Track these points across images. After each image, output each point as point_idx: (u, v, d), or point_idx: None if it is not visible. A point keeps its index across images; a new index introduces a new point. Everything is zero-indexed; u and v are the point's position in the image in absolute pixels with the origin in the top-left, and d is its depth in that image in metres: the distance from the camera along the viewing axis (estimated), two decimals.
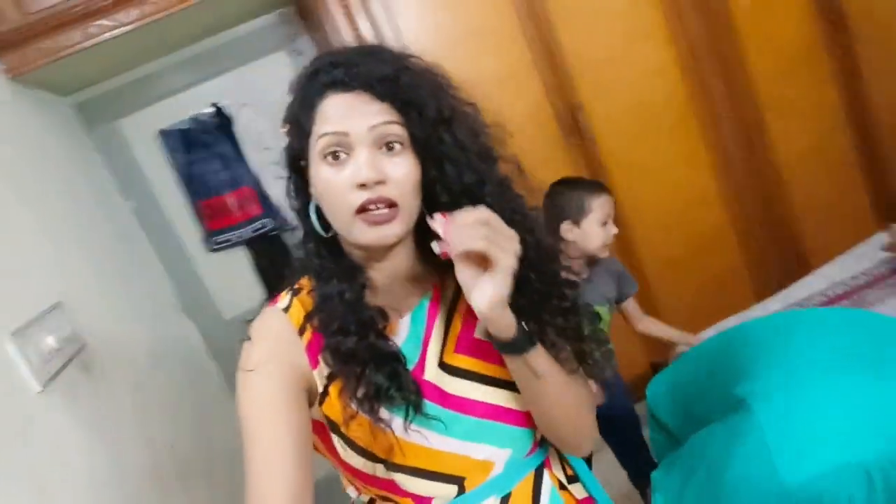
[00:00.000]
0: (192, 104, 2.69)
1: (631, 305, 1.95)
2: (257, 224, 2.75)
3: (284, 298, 0.89)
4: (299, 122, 0.83)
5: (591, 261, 1.83)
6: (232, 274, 2.85)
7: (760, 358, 1.13)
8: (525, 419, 0.89)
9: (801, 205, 2.67)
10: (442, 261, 0.79)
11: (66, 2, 2.01)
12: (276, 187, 2.73)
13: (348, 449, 0.84)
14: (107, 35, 2.13)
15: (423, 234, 0.85)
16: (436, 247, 0.76)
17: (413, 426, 0.82)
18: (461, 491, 0.86)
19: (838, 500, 0.91)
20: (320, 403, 0.84)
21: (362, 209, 0.78)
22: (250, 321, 0.87)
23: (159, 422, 2.01)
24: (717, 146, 2.55)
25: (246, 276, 2.87)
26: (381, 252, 0.84)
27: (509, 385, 0.87)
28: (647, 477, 1.73)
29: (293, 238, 2.86)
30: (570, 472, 0.97)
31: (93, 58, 2.23)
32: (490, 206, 0.78)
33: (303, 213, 0.88)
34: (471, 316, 0.90)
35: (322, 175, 0.80)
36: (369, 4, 2.22)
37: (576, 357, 0.88)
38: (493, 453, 0.87)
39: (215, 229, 2.74)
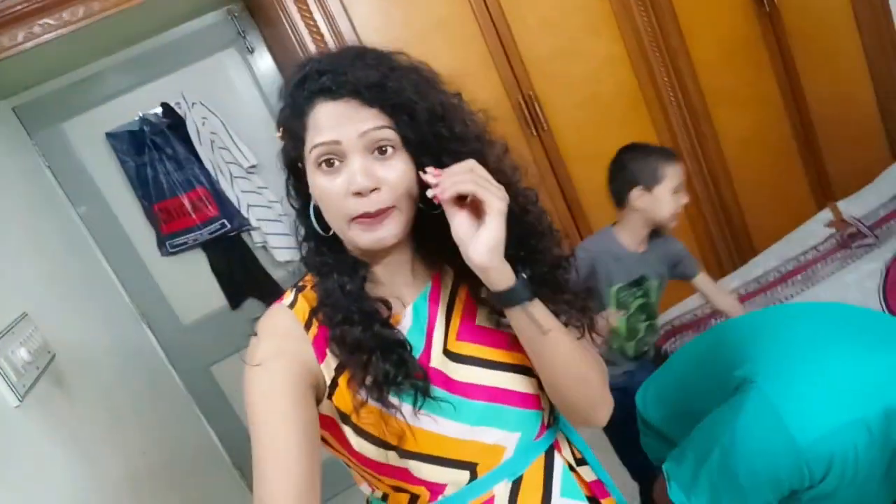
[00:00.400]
0: (140, 104, 2.61)
1: (704, 282, 1.88)
2: (214, 225, 2.68)
3: (289, 296, 0.89)
4: (292, 129, 0.84)
5: (654, 233, 1.80)
6: (189, 278, 2.78)
7: (756, 343, 1.19)
8: (532, 401, 0.91)
9: (746, 188, 2.80)
10: (440, 250, 0.82)
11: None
12: (233, 187, 2.69)
13: (360, 438, 0.84)
14: (51, 35, 2.05)
15: (421, 229, 0.87)
16: (429, 192, 0.78)
17: (422, 412, 0.83)
18: (473, 476, 0.87)
19: (846, 452, 0.99)
20: (329, 396, 0.85)
21: (358, 216, 0.80)
22: (256, 319, 0.88)
23: (129, 429, 1.97)
24: (666, 133, 2.64)
25: (203, 279, 2.80)
26: (379, 253, 0.86)
27: (514, 368, 0.89)
28: (647, 470, 1.77)
29: (252, 239, 2.84)
30: (578, 455, 0.99)
31: (35, 58, 2.14)
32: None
33: (303, 212, 0.89)
34: (471, 304, 0.92)
35: (318, 182, 0.82)
36: (325, 0, 2.20)
37: (576, 317, 0.90)
38: (502, 437, 0.88)
39: (170, 233, 2.67)
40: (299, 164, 0.86)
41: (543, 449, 0.93)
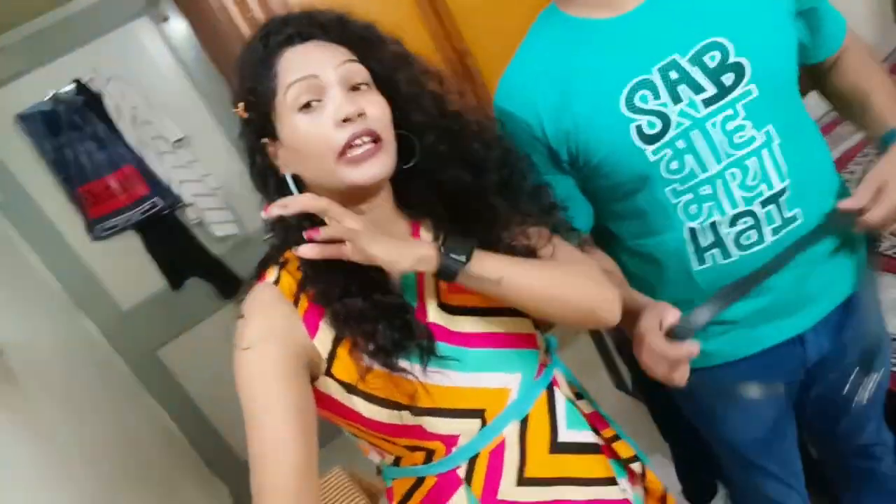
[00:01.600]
0: (50, 82, 2.45)
1: None
2: (146, 205, 2.58)
3: (272, 273, 0.86)
4: (258, 89, 0.82)
5: None
6: (124, 262, 2.68)
7: None
8: (529, 340, 0.93)
9: None
10: (419, 203, 0.85)
11: None
12: (161, 163, 2.58)
13: (370, 404, 0.83)
14: None
15: (397, 180, 0.87)
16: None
17: (430, 368, 0.83)
18: (483, 423, 0.88)
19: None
20: (328, 370, 0.83)
21: (348, 146, 0.78)
22: (241, 300, 0.84)
23: (85, 422, 1.92)
24: None
25: (140, 261, 2.70)
26: (361, 198, 0.84)
27: (507, 311, 0.90)
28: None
29: (187, 216, 2.75)
30: (574, 389, 1.02)
31: None
32: (448, 135, 0.85)
33: (276, 192, 0.85)
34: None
35: (299, 126, 0.79)
36: None
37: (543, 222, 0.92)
38: (506, 380, 0.89)
39: (99, 216, 2.55)
40: (263, 140, 0.84)
41: (544, 386, 0.94)
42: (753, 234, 0.99)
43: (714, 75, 0.94)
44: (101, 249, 2.64)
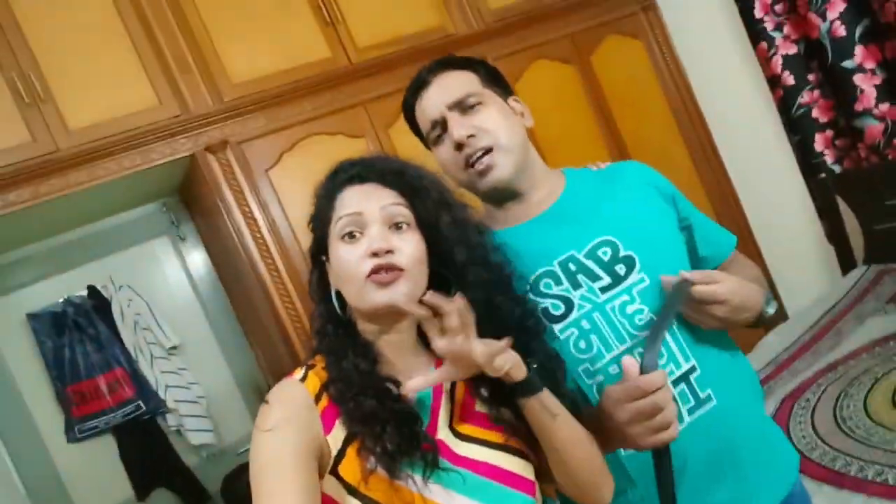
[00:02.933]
0: (67, 287, 2.66)
1: None
2: (129, 407, 2.62)
3: (299, 372, 0.93)
4: (321, 215, 0.96)
5: None
6: (95, 466, 2.64)
7: None
8: (530, 487, 0.93)
9: None
10: None
11: None
12: (153, 367, 2.67)
13: None
14: None
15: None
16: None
17: (431, 482, 0.86)
18: None
19: None
20: (334, 468, 0.86)
21: (373, 272, 0.89)
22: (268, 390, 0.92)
23: None
24: None
25: (110, 467, 2.66)
26: (389, 324, 0.94)
27: (514, 451, 0.94)
28: None
29: (167, 422, 2.77)
30: None
31: None
32: (478, 280, 0.95)
33: (322, 302, 0.98)
34: (471, 390, 0.98)
35: (340, 252, 0.92)
36: (259, 190, 2.41)
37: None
38: None
39: (81, 416, 2.58)
40: (323, 258, 0.97)
41: None
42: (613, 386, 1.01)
43: (608, 267, 1.07)
44: (73, 452, 2.62)
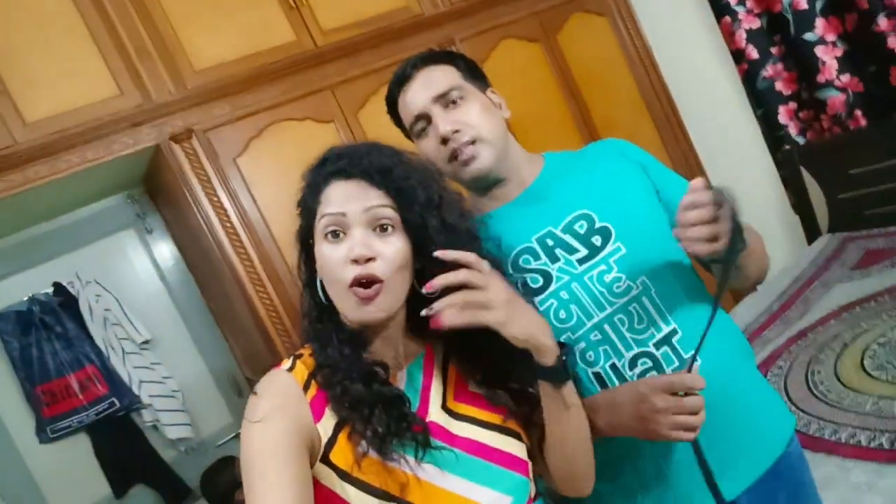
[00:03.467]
0: (31, 285, 2.58)
1: None
2: (102, 405, 2.57)
3: (287, 362, 0.93)
4: (308, 204, 0.95)
5: None
6: (69, 466, 2.59)
7: None
8: (524, 467, 0.94)
9: None
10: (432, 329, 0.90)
11: None
12: (125, 363, 2.62)
13: (362, 493, 0.85)
14: None
15: (413, 306, 0.94)
16: (423, 312, 0.85)
17: (424, 462, 0.86)
18: None
19: None
20: (325, 455, 0.86)
21: (354, 283, 0.88)
22: (256, 381, 0.91)
23: None
24: None
25: (85, 466, 2.61)
26: (373, 326, 0.93)
27: (508, 432, 0.94)
28: None
29: (142, 418, 2.73)
30: None
31: None
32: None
33: (310, 285, 0.96)
34: (463, 372, 0.99)
35: (322, 251, 0.90)
36: (228, 179, 2.37)
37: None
38: (496, 499, 0.90)
39: (53, 415, 2.52)
40: (310, 241, 0.95)
41: None
42: (655, 375, 1.06)
43: (584, 239, 1.11)
44: (46, 453, 2.56)
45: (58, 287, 2.59)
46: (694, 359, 0.99)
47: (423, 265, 0.94)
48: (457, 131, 1.11)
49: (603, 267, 1.10)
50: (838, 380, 1.77)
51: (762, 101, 2.90)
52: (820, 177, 2.78)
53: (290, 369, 0.92)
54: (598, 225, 1.12)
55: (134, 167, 2.52)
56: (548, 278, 1.10)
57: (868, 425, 1.51)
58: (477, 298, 0.85)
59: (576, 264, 1.10)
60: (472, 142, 1.11)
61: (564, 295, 1.09)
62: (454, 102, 1.13)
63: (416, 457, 0.87)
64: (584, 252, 1.11)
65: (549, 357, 0.89)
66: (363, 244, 0.89)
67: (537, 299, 1.09)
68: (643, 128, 3.13)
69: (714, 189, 0.95)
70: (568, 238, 1.11)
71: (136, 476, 2.65)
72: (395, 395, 0.90)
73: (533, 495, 0.97)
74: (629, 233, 1.12)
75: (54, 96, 2.14)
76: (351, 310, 0.89)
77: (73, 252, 2.67)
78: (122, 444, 2.63)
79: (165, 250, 2.84)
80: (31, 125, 2.11)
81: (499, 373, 0.97)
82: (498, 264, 0.99)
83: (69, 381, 2.54)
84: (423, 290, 0.87)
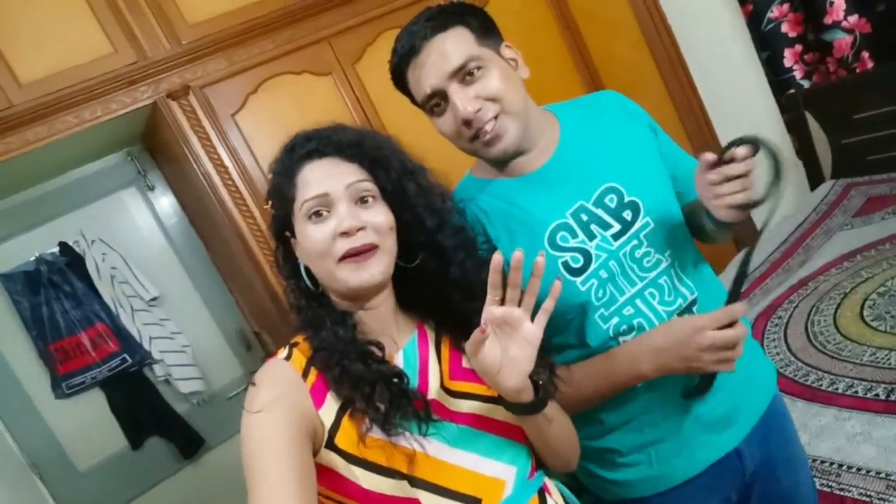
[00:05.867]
0: (37, 245, 2.60)
1: None
2: (115, 361, 2.62)
3: (283, 351, 0.93)
4: (282, 193, 0.94)
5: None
6: (86, 420, 2.66)
7: None
8: (523, 435, 0.96)
9: None
10: (420, 305, 0.93)
11: None
12: (134, 320, 2.66)
13: (370, 473, 0.85)
14: None
15: (401, 285, 0.97)
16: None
17: (428, 438, 0.87)
18: None
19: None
20: (330, 441, 0.86)
21: (345, 256, 0.88)
22: (253, 373, 0.91)
23: None
24: None
25: (102, 420, 2.69)
26: (365, 299, 0.93)
27: (504, 402, 0.94)
28: None
29: (154, 373, 2.78)
30: (565, 501, 1.03)
31: None
32: (448, 243, 0.95)
33: (292, 277, 0.97)
34: (456, 349, 1.00)
35: (308, 232, 0.91)
36: (227, 135, 2.35)
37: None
38: (503, 470, 0.92)
39: (67, 372, 2.58)
40: (287, 234, 0.96)
41: (536, 488, 0.96)
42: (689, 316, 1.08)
43: (615, 213, 1.09)
44: (63, 408, 2.63)
45: (64, 246, 2.61)
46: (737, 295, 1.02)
47: (405, 233, 0.95)
48: (478, 110, 1.04)
49: (635, 242, 1.09)
50: (837, 330, 1.79)
51: (767, 44, 2.83)
52: (824, 121, 2.75)
53: (288, 358, 0.92)
54: (627, 199, 1.10)
55: (132, 125, 2.50)
56: (587, 257, 1.08)
57: (865, 376, 1.55)
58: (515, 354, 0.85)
59: (611, 240, 1.09)
60: (495, 116, 1.05)
61: (604, 274, 1.08)
62: (471, 75, 1.04)
63: (419, 432, 0.88)
64: (617, 227, 1.09)
65: (527, 395, 0.89)
66: (351, 216, 0.89)
67: (578, 280, 1.07)
68: (645, 70, 3.07)
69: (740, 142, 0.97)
70: (600, 213, 1.09)
71: (151, 429, 2.72)
72: (394, 373, 0.90)
73: (535, 464, 0.99)
74: (655, 207, 1.11)
75: (48, 57, 2.11)
76: (345, 277, 0.90)
77: (75, 211, 2.68)
78: (136, 399, 2.69)
79: (168, 207, 2.84)
80: (27, 86, 2.09)
81: None
82: (467, 231, 1.01)
83: (81, 339, 2.58)
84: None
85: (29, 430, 2.57)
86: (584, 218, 1.09)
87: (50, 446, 2.60)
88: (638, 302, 1.09)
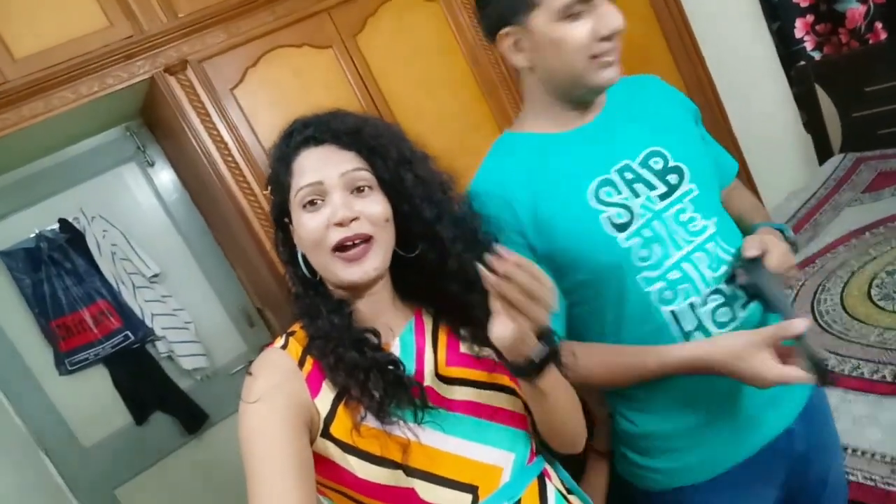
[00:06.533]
0: (37, 221, 2.57)
1: None
2: (117, 338, 2.62)
3: (280, 340, 0.93)
4: (279, 179, 0.93)
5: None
6: (90, 396, 2.66)
7: None
8: (522, 421, 0.96)
9: None
10: (419, 293, 0.90)
11: None
12: (136, 297, 2.65)
13: (365, 462, 0.85)
14: None
15: (399, 270, 0.95)
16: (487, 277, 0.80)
17: (424, 426, 0.87)
18: (475, 500, 0.89)
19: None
20: (326, 430, 0.86)
21: (339, 247, 0.87)
22: (246, 353, 0.91)
23: None
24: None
25: (105, 396, 2.69)
26: (362, 290, 0.92)
27: (502, 388, 0.95)
28: None
29: (157, 350, 2.78)
30: (565, 486, 1.03)
31: None
32: (447, 235, 0.92)
33: (291, 261, 0.96)
34: (453, 335, 0.99)
35: (302, 221, 0.90)
36: (226, 110, 2.31)
37: None
38: (500, 457, 0.92)
39: (70, 349, 2.58)
40: (286, 219, 0.94)
41: (536, 474, 0.95)
42: (727, 311, 1.07)
43: (661, 176, 1.09)
44: (67, 384, 2.63)
45: (64, 223, 2.59)
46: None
47: (404, 223, 0.94)
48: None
49: (680, 206, 1.09)
50: (844, 309, 1.77)
51: (778, 14, 2.77)
52: (834, 94, 2.69)
53: (284, 346, 0.92)
54: (671, 164, 1.10)
55: (131, 100, 2.46)
56: (631, 214, 1.07)
57: (871, 357, 1.53)
58: (524, 309, 0.78)
59: (656, 200, 1.08)
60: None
61: (647, 233, 1.07)
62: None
63: (415, 420, 0.87)
64: (662, 189, 1.09)
65: (519, 360, 0.85)
66: (344, 206, 0.88)
67: (622, 235, 1.06)
68: (654, 42, 3.01)
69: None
70: (645, 173, 1.09)
71: (155, 404, 2.73)
72: (389, 360, 0.90)
73: (534, 449, 0.98)
74: (699, 175, 1.11)
75: (42, 31, 2.06)
76: (340, 271, 0.89)
77: (75, 188, 2.65)
78: (140, 375, 2.70)
79: (168, 183, 2.81)
80: (21, 61, 2.05)
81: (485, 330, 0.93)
82: (469, 221, 0.98)
83: (83, 316, 2.58)
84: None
85: (34, 407, 2.57)
86: (629, 176, 1.09)
87: (55, 423, 2.61)
88: (685, 265, 1.07)
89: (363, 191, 0.91)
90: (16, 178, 2.57)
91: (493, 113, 2.68)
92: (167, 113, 2.36)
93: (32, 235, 2.55)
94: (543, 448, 1.03)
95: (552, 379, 0.89)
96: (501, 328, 0.80)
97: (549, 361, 0.86)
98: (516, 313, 0.78)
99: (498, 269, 0.76)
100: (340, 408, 0.88)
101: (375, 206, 0.90)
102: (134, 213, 2.74)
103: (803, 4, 2.72)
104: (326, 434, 0.87)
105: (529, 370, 0.85)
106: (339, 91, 2.45)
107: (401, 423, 0.86)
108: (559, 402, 0.93)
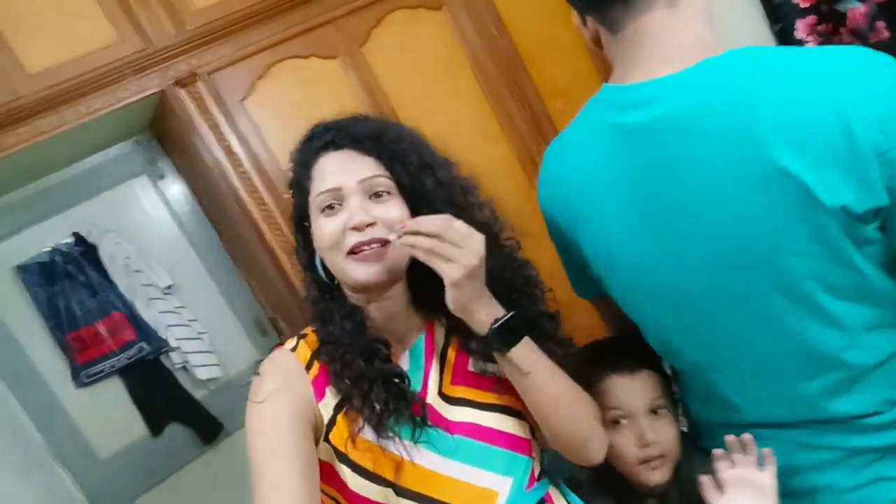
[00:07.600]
0: (51, 236, 2.61)
1: None
2: (132, 350, 2.64)
3: (291, 342, 0.94)
4: (300, 183, 0.94)
5: None
6: (106, 408, 2.69)
7: None
8: (523, 445, 0.94)
9: None
10: (434, 303, 0.89)
11: None
12: (150, 309, 2.67)
13: (356, 475, 0.86)
14: None
15: (414, 280, 0.95)
16: (390, 236, 0.86)
17: (420, 446, 0.86)
18: None
19: None
20: (326, 435, 0.87)
21: (353, 251, 0.88)
22: (259, 362, 0.92)
23: None
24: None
25: (121, 408, 2.71)
26: (376, 293, 0.92)
27: (505, 410, 0.94)
28: None
29: (171, 360, 2.80)
30: None
31: None
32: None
33: (309, 265, 0.97)
34: (462, 353, 0.98)
35: (320, 224, 0.90)
36: (236, 122, 2.34)
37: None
38: (495, 481, 0.90)
39: (86, 361, 2.60)
40: (306, 223, 0.95)
41: (535, 499, 0.93)
42: None
43: None
44: (83, 397, 2.66)
45: (78, 237, 2.62)
46: None
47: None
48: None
49: None
50: None
51: (779, 16, 2.79)
52: None
53: (294, 349, 0.93)
54: None
55: (141, 113, 2.49)
56: None
57: None
58: (445, 252, 0.82)
59: None
60: None
61: None
62: None
63: (412, 438, 0.86)
64: None
65: (480, 328, 0.87)
66: (362, 210, 0.88)
67: None
68: None
69: None
70: None
71: (170, 415, 2.75)
72: (395, 373, 0.90)
73: (536, 474, 0.95)
74: None
75: (54, 46, 2.10)
76: (352, 272, 0.88)
77: (88, 201, 2.68)
78: (155, 386, 2.72)
79: (179, 195, 2.84)
80: (34, 77, 2.09)
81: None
82: (492, 226, 0.97)
83: (98, 329, 2.60)
84: (395, 233, 0.85)
85: (50, 419, 2.59)
86: None
87: (71, 435, 2.63)
88: None
89: (381, 196, 0.91)
90: (30, 192, 2.60)
91: (500, 122, 2.71)
92: (177, 125, 2.39)
93: (47, 249, 2.58)
94: (551, 472, 1.01)
95: (529, 355, 0.89)
96: (448, 292, 0.83)
97: (514, 328, 0.86)
98: (441, 261, 0.81)
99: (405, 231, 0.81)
100: (340, 416, 0.88)
101: (393, 212, 0.90)
102: (146, 226, 2.77)
103: (804, 5, 2.74)
104: (326, 439, 0.88)
105: (495, 339, 0.86)
106: (347, 101, 2.48)
107: (396, 439, 0.86)
108: (547, 387, 0.91)
